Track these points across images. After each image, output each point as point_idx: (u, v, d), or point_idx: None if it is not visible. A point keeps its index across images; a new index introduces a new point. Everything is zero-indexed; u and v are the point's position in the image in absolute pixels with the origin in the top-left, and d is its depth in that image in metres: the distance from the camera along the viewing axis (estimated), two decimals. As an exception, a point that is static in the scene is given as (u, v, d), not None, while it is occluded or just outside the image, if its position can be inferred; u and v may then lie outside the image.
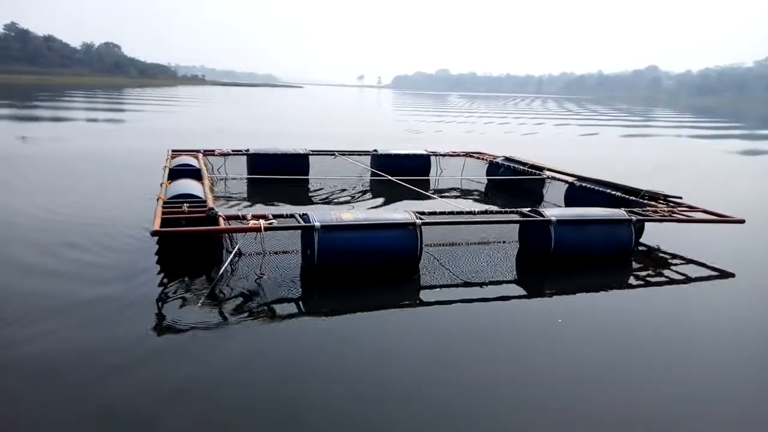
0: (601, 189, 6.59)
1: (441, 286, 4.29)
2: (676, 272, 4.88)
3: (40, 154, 10.95)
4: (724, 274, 4.90)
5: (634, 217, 5.04)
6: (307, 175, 8.51)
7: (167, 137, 13.01)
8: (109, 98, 37.03)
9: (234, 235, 4.39)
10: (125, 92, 49.08)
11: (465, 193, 8.39)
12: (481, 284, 4.37)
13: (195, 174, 6.16)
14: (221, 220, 4.21)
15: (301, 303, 3.88)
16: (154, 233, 3.93)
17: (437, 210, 5.02)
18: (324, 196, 7.71)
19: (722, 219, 5.52)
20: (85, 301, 3.63)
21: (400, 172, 8.30)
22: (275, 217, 4.41)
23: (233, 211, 5.62)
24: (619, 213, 5.10)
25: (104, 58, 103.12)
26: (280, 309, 3.68)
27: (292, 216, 4.42)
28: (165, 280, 4.04)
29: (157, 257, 4.49)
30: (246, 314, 3.56)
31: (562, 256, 4.83)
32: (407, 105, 51.18)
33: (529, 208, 5.10)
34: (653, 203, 5.88)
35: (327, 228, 4.15)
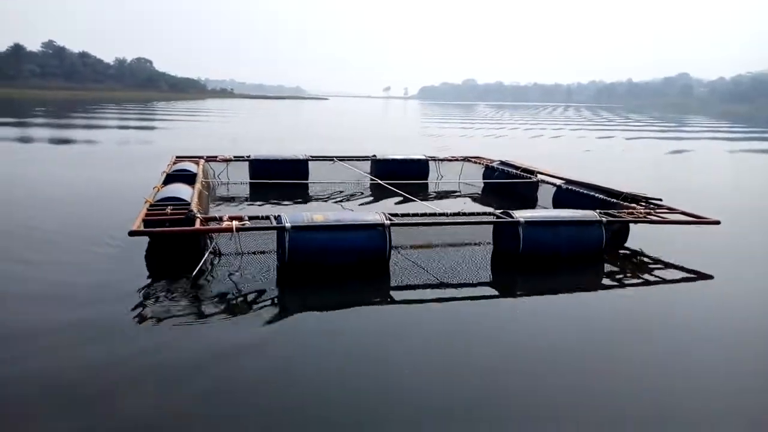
0: (585, 191, 6.70)
1: (415, 287, 4.45)
2: (655, 275, 4.95)
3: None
4: (702, 276, 4.96)
5: (604, 219, 5.14)
6: (307, 180, 8.76)
7: (183, 146, 13.41)
8: (135, 111, 38.05)
9: (213, 235, 4.63)
10: (153, 105, 50.28)
11: (461, 197, 8.55)
12: (452, 284, 4.51)
13: (190, 179, 6.45)
14: (198, 222, 4.46)
15: (274, 299, 4.05)
16: (131, 233, 4.20)
17: (420, 212, 5.21)
18: (321, 200, 7.95)
19: (697, 220, 5.57)
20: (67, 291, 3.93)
21: (399, 177, 8.53)
22: (253, 218, 4.66)
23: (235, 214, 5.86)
24: (590, 214, 5.20)
25: (136, 73, 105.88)
26: (254, 304, 3.89)
27: (267, 218, 4.66)
28: (149, 280, 4.28)
29: (145, 259, 4.74)
30: (221, 309, 3.77)
31: (531, 256, 4.94)
32: (435, 116, 51.19)
33: (500, 210, 5.25)
34: (632, 205, 5.96)
35: (297, 228, 4.36)
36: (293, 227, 4.34)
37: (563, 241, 5.03)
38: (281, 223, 4.39)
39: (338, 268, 4.50)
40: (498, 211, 5.22)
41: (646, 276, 4.92)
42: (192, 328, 3.51)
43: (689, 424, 2.78)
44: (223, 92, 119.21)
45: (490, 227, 5.27)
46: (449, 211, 5.41)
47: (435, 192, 8.92)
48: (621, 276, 5.00)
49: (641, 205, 6.00)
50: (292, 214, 4.58)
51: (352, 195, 8.27)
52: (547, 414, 2.77)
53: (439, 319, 3.93)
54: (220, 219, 4.54)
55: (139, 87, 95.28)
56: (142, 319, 3.57)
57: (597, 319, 4.04)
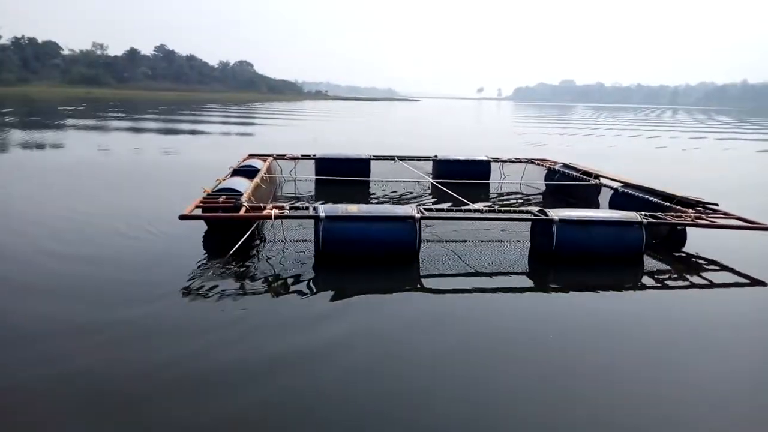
0: (640, 194, 6.56)
1: (450, 275, 4.62)
2: (704, 278, 4.83)
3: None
4: (754, 282, 4.80)
5: (644, 220, 5.05)
6: (368, 178, 9.05)
7: (274, 143, 14.12)
8: (233, 112, 40.21)
9: (262, 223, 5.01)
10: (253, 106, 52.78)
11: (521, 198, 8.54)
12: (486, 274, 4.65)
13: (252, 174, 6.93)
14: (243, 210, 4.88)
15: (309, 282, 4.32)
16: (181, 216, 4.66)
17: (461, 208, 5.42)
18: (380, 197, 8.20)
19: (749, 226, 5.35)
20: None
21: (460, 178, 8.65)
22: (294, 209, 5.01)
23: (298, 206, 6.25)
24: (630, 215, 5.12)
25: (238, 75, 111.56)
26: (291, 286, 4.21)
27: (308, 208, 4.99)
28: (203, 259, 4.74)
29: (202, 243, 5.20)
30: (256, 289, 4.12)
31: (564, 255, 4.95)
32: (530, 118, 50.19)
33: (537, 209, 5.29)
34: (685, 209, 5.79)
35: (331, 218, 4.65)
36: (327, 217, 4.63)
37: (599, 241, 4.99)
38: (317, 213, 4.70)
39: (370, 258, 4.75)
40: (535, 209, 5.27)
41: (694, 278, 4.81)
42: (227, 302, 3.88)
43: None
44: (318, 94, 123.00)
45: (530, 226, 5.32)
46: (485, 208, 5.51)
47: (497, 193, 8.93)
48: (664, 277, 4.91)
49: (697, 210, 5.82)
50: (329, 205, 4.88)
51: (411, 194, 8.42)
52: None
53: (470, 307, 4.09)
54: (265, 208, 4.92)
55: (241, 89, 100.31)
56: (186, 292, 4.01)
57: (637, 323, 3.99)
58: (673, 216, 5.46)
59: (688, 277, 4.91)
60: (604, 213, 5.23)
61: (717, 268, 5.12)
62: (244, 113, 39.11)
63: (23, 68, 77.14)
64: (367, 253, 4.74)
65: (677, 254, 5.44)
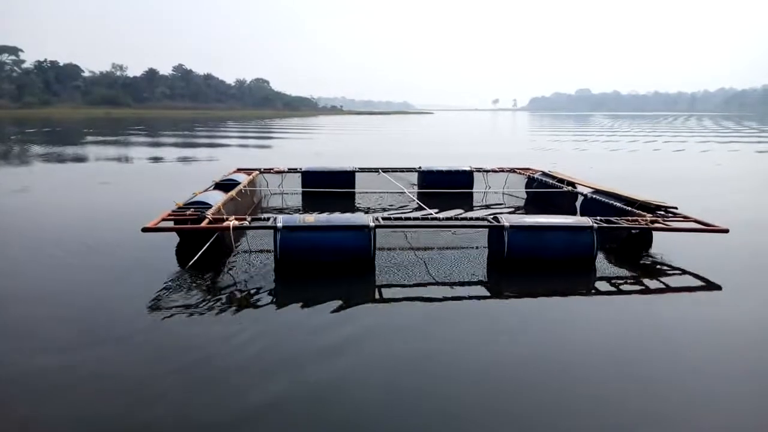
0: (607, 200, 6.69)
1: (406, 285, 4.70)
2: (661, 282, 4.92)
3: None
4: (710, 286, 4.89)
5: (596, 225, 5.19)
6: (354, 189, 9.25)
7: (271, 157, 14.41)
8: (251, 127, 40.85)
9: (226, 235, 5.23)
10: (265, 122, 53.48)
11: (502, 208, 8.68)
12: (441, 283, 4.74)
13: (232, 188, 7.20)
14: (205, 222, 5.13)
15: (269, 293, 4.47)
16: (144, 229, 4.91)
17: (419, 216, 5.59)
18: (365, 208, 8.37)
19: (705, 228, 5.45)
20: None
21: (445, 188, 8.86)
22: (256, 220, 5.24)
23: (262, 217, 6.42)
24: (582, 220, 5.26)
25: (255, 92, 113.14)
26: (251, 296, 4.35)
27: (269, 219, 5.22)
28: (170, 267, 4.97)
29: (175, 253, 5.41)
30: (216, 299, 4.27)
31: (516, 260, 5.09)
32: (545, 128, 50.00)
33: (492, 216, 5.45)
34: (643, 213, 5.90)
35: (288, 228, 4.87)
36: (284, 227, 4.84)
37: (550, 247, 5.12)
38: (275, 223, 4.93)
39: (326, 266, 4.94)
40: (489, 217, 5.44)
41: (650, 282, 4.91)
42: (184, 315, 4.04)
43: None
44: (333, 109, 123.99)
45: (488, 232, 5.48)
46: (442, 216, 5.70)
47: (480, 203, 9.09)
48: (620, 282, 4.97)
49: (659, 214, 5.94)
50: (288, 216, 5.11)
51: (396, 205, 8.59)
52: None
53: (429, 315, 4.17)
54: (227, 220, 5.15)
55: (257, 106, 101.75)
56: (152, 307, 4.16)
57: (586, 324, 4.10)
58: (628, 220, 5.58)
59: (643, 280, 4.99)
60: (556, 219, 5.36)
61: (676, 272, 5.19)
62: (255, 129, 39.68)
63: (46, 91, 79.21)
64: (323, 260, 4.92)
65: (640, 259, 5.52)
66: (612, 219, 5.51)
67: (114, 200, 9.27)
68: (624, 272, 5.24)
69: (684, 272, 5.14)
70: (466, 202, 8.99)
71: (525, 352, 3.57)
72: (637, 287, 4.87)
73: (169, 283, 4.59)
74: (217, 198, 6.18)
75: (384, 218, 5.26)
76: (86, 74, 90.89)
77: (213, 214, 5.43)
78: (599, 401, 3.01)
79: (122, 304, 4.19)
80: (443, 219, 5.59)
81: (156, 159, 15.77)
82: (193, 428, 2.70)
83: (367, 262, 4.98)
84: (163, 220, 5.21)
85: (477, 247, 5.63)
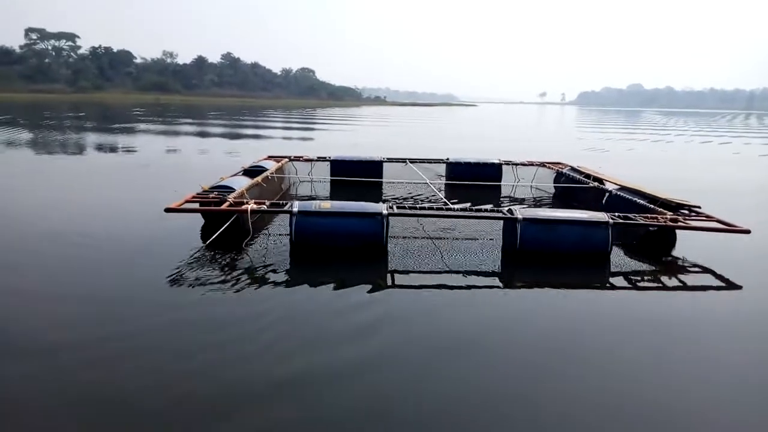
0: (630, 197, 6.61)
1: (418, 272, 4.77)
2: (680, 280, 4.86)
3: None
4: (730, 286, 4.82)
5: (611, 220, 5.15)
6: (381, 179, 9.33)
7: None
8: (295, 116, 41.41)
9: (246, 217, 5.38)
10: (305, 111, 54.03)
11: (530, 201, 8.64)
12: (453, 272, 4.80)
13: (258, 174, 7.40)
14: (225, 204, 5.32)
15: (283, 273, 4.63)
16: (166, 209, 5.14)
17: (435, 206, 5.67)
18: (391, 197, 8.40)
19: (726, 228, 5.35)
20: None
21: (472, 180, 8.88)
22: (274, 205, 5.41)
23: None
24: (597, 216, 5.23)
25: (300, 81, 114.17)
26: (266, 274, 4.53)
27: (286, 204, 5.37)
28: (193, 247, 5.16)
29: (200, 233, 5.60)
30: (231, 278, 4.45)
31: (528, 252, 5.09)
32: (593, 123, 48.86)
33: (507, 208, 5.46)
34: (664, 211, 5.81)
35: (303, 213, 5.02)
36: (299, 212, 5.00)
37: (564, 240, 5.11)
38: (291, 208, 5.08)
39: (340, 251, 5.06)
40: (504, 209, 5.46)
41: (669, 280, 4.85)
42: (211, 286, 4.25)
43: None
44: (377, 99, 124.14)
45: (503, 224, 5.50)
46: (457, 207, 5.74)
47: (507, 196, 9.06)
48: (637, 278, 4.95)
49: (681, 212, 5.85)
50: (305, 202, 5.25)
51: (422, 195, 8.62)
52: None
53: (436, 301, 4.24)
54: (247, 203, 5.33)
55: (302, 95, 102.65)
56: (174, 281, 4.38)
57: (606, 323, 4.05)
58: (647, 217, 5.51)
59: (661, 278, 4.94)
60: (571, 213, 5.34)
61: (697, 270, 5.13)
62: (295, 119, 40.16)
63: (99, 76, 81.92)
64: (336, 245, 5.05)
65: (660, 257, 5.45)
66: (630, 216, 5.45)
67: (152, 183, 9.64)
68: (641, 268, 5.22)
69: (704, 270, 5.07)
70: (493, 194, 8.97)
71: (530, 342, 3.63)
72: (652, 284, 4.82)
73: (191, 261, 4.80)
74: (242, 183, 6.38)
75: (399, 207, 5.34)
76: (138, 60, 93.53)
77: (235, 197, 5.61)
78: (608, 391, 3.04)
79: (146, 277, 4.44)
80: (457, 209, 5.63)
81: (203, 150, 16.11)
82: (226, 401, 2.79)
83: (380, 248, 5.08)
84: (187, 201, 5.43)
85: (492, 239, 5.66)
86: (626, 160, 16.87)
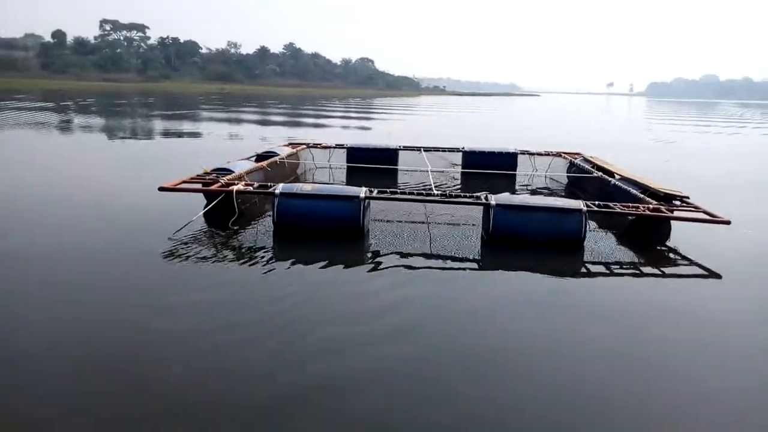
0: (626, 187, 6.57)
1: (398, 254, 4.88)
2: (659, 268, 4.86)
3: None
4: (710, 274, 4.79)
5: (585, 208, 5.17)
6: (396, 166, 9.51)
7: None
8: (353, 105, 41.93)
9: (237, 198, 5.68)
10: (357, 102, 54.44)
11: (544, 190, 8.62)
12: (431, 256, 4.92)
13: (266, 159, 7.76)
14: (217, 185, 5.67)
15: (267, 250, 4.92)
16: (160, 188, 5.53)
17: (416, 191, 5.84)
18: (405, 184, 8.49)
19: (709, 219, 5.29)
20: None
21: (487, 169, 8.96)
22: (262, 187, 5.73)
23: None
24: (573, 203, 5.26)
25: (359, 71, 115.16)
26: (250, 253, 4.81)
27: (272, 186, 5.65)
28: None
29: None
30: (222, 250, 4.85)
31: (501, 238, 5.18)
32: (665, 115, 46.91)
33: (484, 194, 5.56)
34: (651, 201, 5.77)
35: (285, 195, 5.29)
36: (282, 194, 5.28)
37: (537, 227, 5.17)
38: (274, 190, 5.37)
39: (320, 232, 5.31)
40: (482, 195, 5.57)
41: (647, 268, 4.86)
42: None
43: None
44: (436, 89, 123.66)
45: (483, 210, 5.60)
46: (436, 192, 5.89)
47: (522, 185, 9.08)
48: (615, 267, 4.93)
49: (674, 203, 5.82)
50: (287, 184, 5.53)
51: (437, 183, 8.68)
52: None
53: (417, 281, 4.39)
54: (235, 185, 5.65)
55: (360, 84, 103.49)
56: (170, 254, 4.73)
57: (564, 300, 4.17)
58: (626, 206, 5.50)
59: (639, 266, 4.94)
60: (545, 200, 5.40)
61: (678, 258, 5.13)
62: (349, 107, 40.61)
63: (166, 66, 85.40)
64: (315, 227, 5.29)
65: (643, 246, 5.43)
66: (609, 204, 5.46)
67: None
68: (619, 257, 5.17)
69: (684, 260, 5.06)
70: (508, 183, 8.97)
71: (491, 331, 3.67)
72: (627, 271, 4.81)
73: (173, 238, 5.11)
74: (244, 166, 6.72)
75: (380, 191, 5.55)
76: (204, 51, 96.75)
77: (230, 179, 5.95)
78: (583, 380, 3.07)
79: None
80: (436, 195, 5.79)
81: (264, 138, 16.44)
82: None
83: (357, 231, 5.29)
84: (184, 182, 5.81)
85: (474, 224, 5.78)
86: (697, 153, 16.29)
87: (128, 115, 24.12)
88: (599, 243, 5.43)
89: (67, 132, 16.82)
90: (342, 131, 20.22)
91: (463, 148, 9.85)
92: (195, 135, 16.82)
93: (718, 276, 4.73)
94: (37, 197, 6.98)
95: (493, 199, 5.25)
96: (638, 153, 14.62)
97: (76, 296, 3.91)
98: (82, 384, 2.84)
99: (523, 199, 5.47)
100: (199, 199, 5.85)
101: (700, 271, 4.81)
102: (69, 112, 24.97)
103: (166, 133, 17.32)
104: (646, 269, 4.86)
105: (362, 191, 5.32)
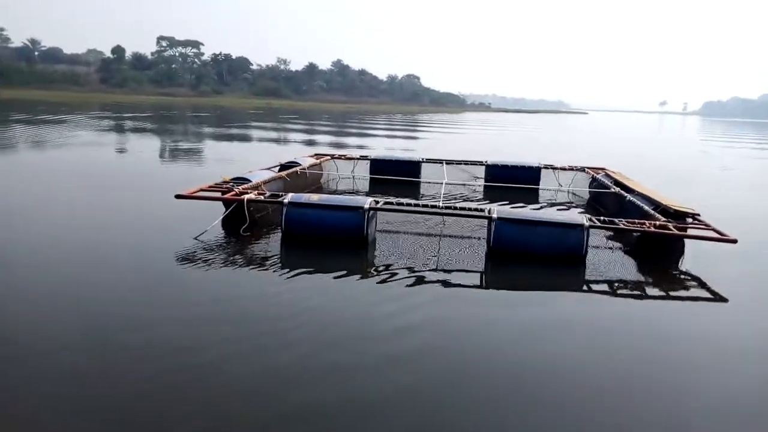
0: (639, 202, 6.54)
1: (402, 267, 4.94)
2: (664, 290, 4.84)
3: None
4: (716, 298, 4.72)
5: (587, 223, 5.18)
6: (419, 179, 9.60)
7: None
8: (397, 120, 42.30)
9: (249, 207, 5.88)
10: (398, 117, 54.73)
11: (566, 205, 8.60)
12: (436, 269, 4.95)
13: (289, 168, 8.02)
14: (231, 194, 5.91)
15: (273, 258, 5.10)
16: (177, 196, 5.81)
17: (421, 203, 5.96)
18: (429, 196, 8.59)
19: (717, 238, 5.23)
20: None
21: (510, 182, 9.03)
22: (274, 196, 5.95)
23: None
24: (575, 217, 5.28)
25: (405, 88, 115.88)
26: (256, 259, 5.05)
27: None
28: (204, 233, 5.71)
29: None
30: (232, 258, 5.05)
31: (502, 252, 5.24)
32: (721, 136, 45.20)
33: (488, 207, 5.63)
34: (659, 217, 5.72)
35: (293, 204, 5.50)
36: (290, 203, 5.49)
37: (538, 241, 5.20)
38: (282, 199, 5.58)
39: (326, 241, 5.46)
40: (486, 207, 5.64)
41: (651, 290, 4.82)
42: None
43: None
44: (480, 106, 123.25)
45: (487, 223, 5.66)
46: (441, 204, 5.99)
47: (544, 199, 9.07)
48: (618, 285, 4.86)
49: (684, 221, 5.77)
50: (296, 194, 5.73)
51: (459, 196, 8.78)
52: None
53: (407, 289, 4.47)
54: (249, 194, 5.90)
55: (405, 101, 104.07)
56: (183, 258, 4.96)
57: (559, 321, 4.12)
58: (632, 222, 5.47)
59: (642, 285, 4.92)
60: (548, 214, 5.44)
61: (687, 279, 5.09)
62: (392, 123, 40.90)
63: (218, 81, 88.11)
64: (321, 235, 5.47)
65: (651, 264, 5.41)
66: (614, 220, 5.46)
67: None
68: (621, 275, 5.09)
69: (692, 279, 5.02)
70: (531, 197, 9.00)
71: (487, 342, 3.73)
72: (628, 291, 4.76)
73: (188, 245, 5.34)
74: (263, 176, 6.98)
75: (386, 202, 5.69)
76: (254, 67, 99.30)
77: (245, 188, 6.20)
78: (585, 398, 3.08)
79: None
80: (442, 207, 5.89)
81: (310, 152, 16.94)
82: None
83: (361, 240, 5.44)
84: (201, 190, 6.09)
85: (479, 238, 5.85)
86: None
87: (179, 128, 25.01)
88: (602, 259, 5.42)
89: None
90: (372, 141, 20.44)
91: (486, 161, 9.92)
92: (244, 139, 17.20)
93: (724, 299, 4.64)
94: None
95: (495, 212, 5.32)
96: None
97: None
98: (83, 385, 3.01)
99: (524, 212, 5.53)
100: (221, 208, 6.13)
101: (707, 294, 4.72)
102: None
103: (216, 137, 17.93)
104: (649, 289, 4.83)
105: (367, 202, 5.48)
